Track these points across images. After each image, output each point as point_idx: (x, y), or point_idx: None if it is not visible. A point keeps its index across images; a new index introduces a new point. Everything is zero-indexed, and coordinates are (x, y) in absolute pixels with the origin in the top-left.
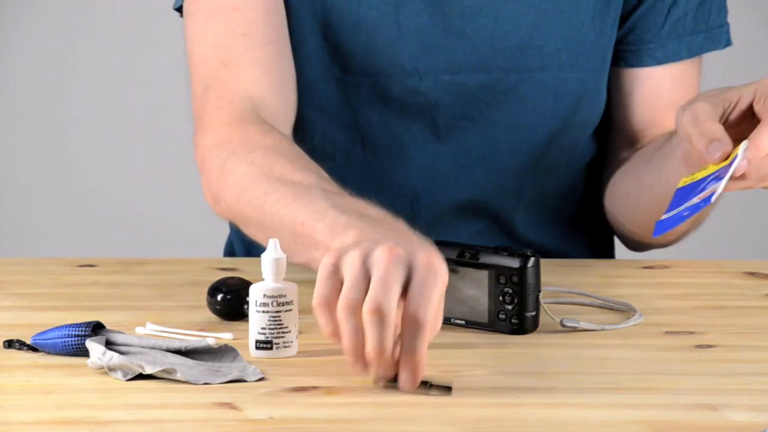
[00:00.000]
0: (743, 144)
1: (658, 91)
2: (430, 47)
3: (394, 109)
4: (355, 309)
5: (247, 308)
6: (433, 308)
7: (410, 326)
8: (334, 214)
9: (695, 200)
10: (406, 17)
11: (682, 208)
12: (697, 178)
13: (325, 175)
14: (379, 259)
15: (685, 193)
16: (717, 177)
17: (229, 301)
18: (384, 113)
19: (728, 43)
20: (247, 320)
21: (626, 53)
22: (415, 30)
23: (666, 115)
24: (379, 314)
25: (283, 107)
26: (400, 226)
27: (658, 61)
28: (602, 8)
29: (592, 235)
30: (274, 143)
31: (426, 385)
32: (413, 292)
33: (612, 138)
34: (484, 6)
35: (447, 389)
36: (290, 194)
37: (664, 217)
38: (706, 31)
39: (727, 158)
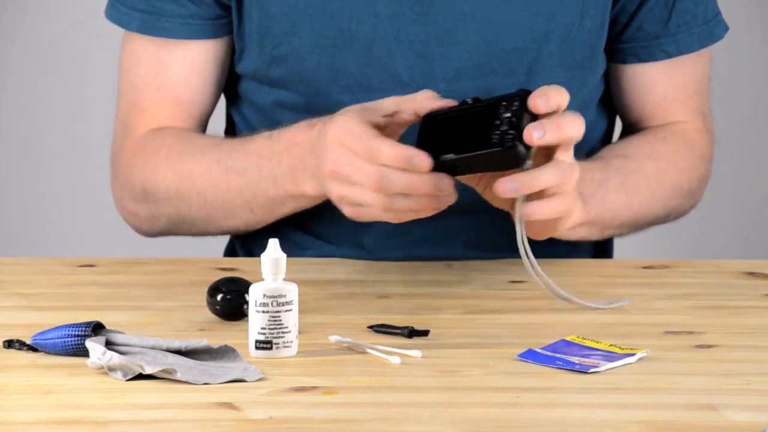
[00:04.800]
0: (642, 352)
1: (680, 83)
2: (425, 56)
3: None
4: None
5: (247, 308)
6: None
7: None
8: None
9: (575, 360)
10: (398, 29)
11: (558, 355)
12: (585, 344)
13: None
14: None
15: (569, 348)
16: (607, 357)
17: (229, 301)
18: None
19: (726, 27)
20: (247, 320)
21: (638, 49)
22: (409, 41)
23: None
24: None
25: None
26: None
27: (669, 55)
28: (587, 8)
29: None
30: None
31: (406, 330)
32: None
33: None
34: (476, 11)
35: (425, 332)
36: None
37: (540, 349)
38: (712, 19)
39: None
